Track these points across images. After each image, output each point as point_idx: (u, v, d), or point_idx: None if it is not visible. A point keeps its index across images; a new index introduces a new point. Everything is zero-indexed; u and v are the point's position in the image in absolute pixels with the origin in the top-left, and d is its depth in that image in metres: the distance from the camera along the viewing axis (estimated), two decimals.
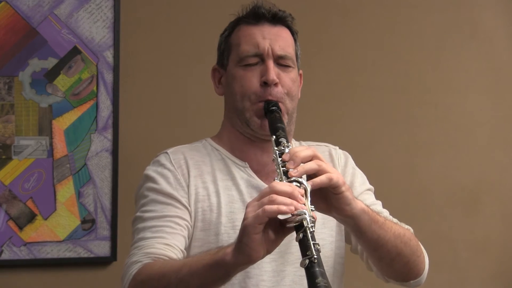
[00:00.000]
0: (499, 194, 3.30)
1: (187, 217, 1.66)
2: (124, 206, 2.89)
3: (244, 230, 1.35)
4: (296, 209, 1.33)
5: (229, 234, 1.68)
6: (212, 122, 2.89)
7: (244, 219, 1.36)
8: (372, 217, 1.53)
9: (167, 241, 1.60)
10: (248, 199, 1.67)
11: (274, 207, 1.32)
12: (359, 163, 2.88)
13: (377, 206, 1.82)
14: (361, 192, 1.82)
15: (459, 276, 3.21)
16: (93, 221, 2.81)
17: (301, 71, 1.84)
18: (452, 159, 3.24)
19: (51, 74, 2.55)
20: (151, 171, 1.74)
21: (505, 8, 3.35)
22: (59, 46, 2.51)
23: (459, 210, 3.22)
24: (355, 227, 1.52)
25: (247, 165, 1.77)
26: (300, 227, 1.34)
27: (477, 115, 3.31)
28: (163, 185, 1.68)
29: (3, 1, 2.46)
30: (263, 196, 1.36)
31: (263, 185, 1.72)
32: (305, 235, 1.32)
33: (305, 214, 1.33)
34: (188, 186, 1.69)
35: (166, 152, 1.78)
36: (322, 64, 3.09)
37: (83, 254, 2.82)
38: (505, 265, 3.28)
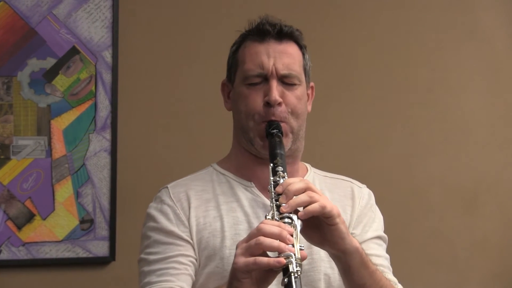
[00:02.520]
0: (497, 194, 3.30)
1: (190, 252, 1.67)
2: (123, 206, 2.89)
3: (234, 274, 1.39)
4: (282, 251, 1.35)
5: None
6: (210, 122, 2.91)
7: (234, 262, 1.39)
8: (364, 260, 1.51)
9: (173, 284, 1.62)
10: (254, 219, 1.69)
11: (265, 260, 1.35)
12: (357, 163, 2.91)
13: (382, 259, 1.77)
14: (372, 237, 1.77)
15: (457, 276, 3.21)
16: (91, 221, 2.81)
17: (312, 84, 1.83)
18: (451, 159, 3.25)
19: (50, 74, 2.56)
20: (152, 209, 1.74)
21: (504, 8, 3.35)
22: (58, 46, 2.52)
23: (457, 210, 3.23)
24: (345, 265, 1.51)
25: (253, 185, 1.76)
26: (286, 271, 1.35)
27: (475, 115, 3.31)
28: (164, 223, 1.69)
29: (2, 1, 2.47)
30: (251, 238, 1.38)
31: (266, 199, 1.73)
32: (290, 281, 1.34)
33: (292, 257, 1.34)
34: (188, 219, 1.69)
35: (167, 187, 1.77)
36: (319, 65, 3.08)
37: (82, 254, 2.82)
38: (504, 265, 3.29)
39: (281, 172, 1.55)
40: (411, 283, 2.42)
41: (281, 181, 1.51)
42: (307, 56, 1.80)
